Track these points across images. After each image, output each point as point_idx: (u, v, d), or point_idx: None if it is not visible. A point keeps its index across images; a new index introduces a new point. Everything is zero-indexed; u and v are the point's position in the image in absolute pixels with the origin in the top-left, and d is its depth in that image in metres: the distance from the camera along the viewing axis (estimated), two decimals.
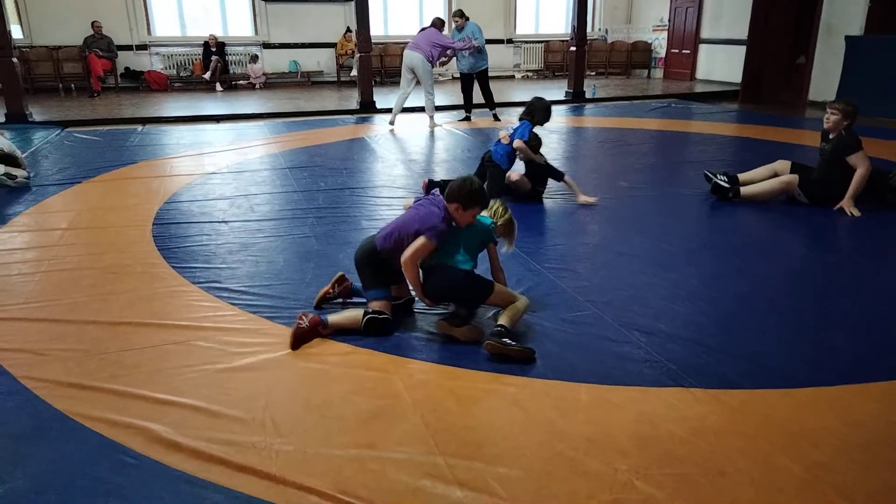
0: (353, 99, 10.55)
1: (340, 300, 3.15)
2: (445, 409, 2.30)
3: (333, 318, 2.86)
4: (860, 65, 8.93)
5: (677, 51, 13.88)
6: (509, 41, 14.73)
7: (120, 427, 2.19)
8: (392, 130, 8.30)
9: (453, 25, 8.76)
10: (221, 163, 6.44)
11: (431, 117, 8.55)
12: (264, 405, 2.32)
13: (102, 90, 11.68)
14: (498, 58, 14.43)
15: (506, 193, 4.87)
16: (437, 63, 8.37)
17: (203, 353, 2.69)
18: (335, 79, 13.49)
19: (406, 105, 8.62)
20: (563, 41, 14.34)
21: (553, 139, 7.89)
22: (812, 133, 7.91)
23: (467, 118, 9.11)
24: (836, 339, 2.79)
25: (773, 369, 2.54)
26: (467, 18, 8.60)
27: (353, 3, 9.77)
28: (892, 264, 3.69)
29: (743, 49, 10.97)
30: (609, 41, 15.19)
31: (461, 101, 9.24)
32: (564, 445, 2.09)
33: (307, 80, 13.29)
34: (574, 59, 10.96)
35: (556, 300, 3.19)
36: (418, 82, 8.32)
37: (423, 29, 8.45)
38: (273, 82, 13.11)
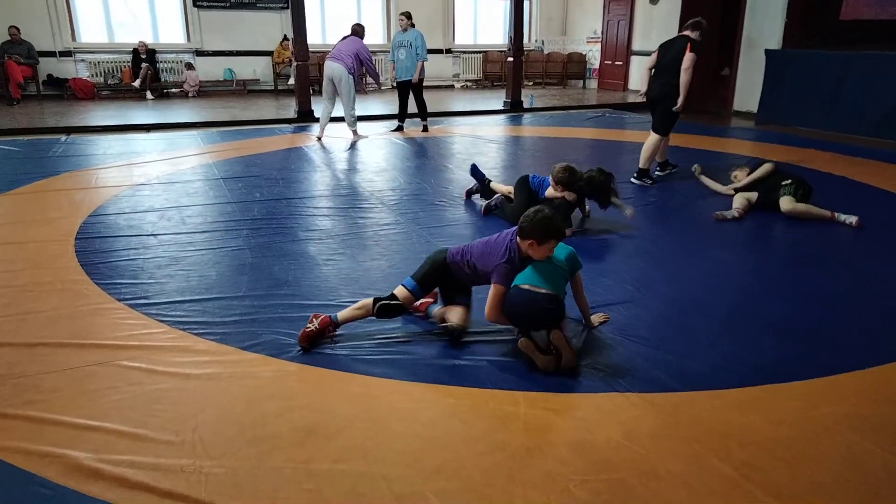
0: (290, 108, 10.38)
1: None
2: (383, 422, 2.27)
3: (344, 313, 2.88)
4: (779, 76, 9.41)
5: (610, 62, 14.29)
6: (448, 51, 14.84)
7: (35, 456, 2.05)
8: (320, 140, 8.06)
9: (399, 25, 8.61)
10: (151, 173, 6.21)
11: (354, 131, 8.32)
12: (194, 426, 2.22)
13: (23, 98, 11.09)
14: (437, 68, 14.51)
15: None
16: (363, 79, 8.25)
17: (128, 374, 2.57)
18: (272, 87, 13.26)
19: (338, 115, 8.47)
20: (501, 51, 14.54)
21: (493, 148, 7.98)
22: (736, 142, 8.29)
23: (400, 128, 8.99)
24: (760, 341, 2.89)
25: (701, 372, 2.61)
26: (413, 24, 8.57)
27: (289, 11, 9.62)
28: (813, 268, 3.87)
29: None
30: (545, 52, 15.51)
31: (395, 111, 9.15)
32: (503, 455, 2.09)
33: (243, 89, 13.01)
34: (512, 69, 11.12)
35: None
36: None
37: (343, 38, 8.20)
38: (207, 91, 12.77)
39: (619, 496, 1.90)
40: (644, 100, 6.13)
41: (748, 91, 10.59)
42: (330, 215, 4.89)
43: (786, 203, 4.69)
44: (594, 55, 14.85)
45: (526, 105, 11.41)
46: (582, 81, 15.29)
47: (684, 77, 5.61)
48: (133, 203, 5.14)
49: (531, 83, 15.04)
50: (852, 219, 4.49)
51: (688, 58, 5.62)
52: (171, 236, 4.31)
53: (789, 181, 4.82)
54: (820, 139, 8.13)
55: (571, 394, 2.45)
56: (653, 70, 5.97)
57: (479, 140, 8.45)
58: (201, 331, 2.94)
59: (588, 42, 15.00)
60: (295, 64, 9.72)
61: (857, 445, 2.13)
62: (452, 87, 14.89)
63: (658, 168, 6.24)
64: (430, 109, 9.26)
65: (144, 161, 6.80)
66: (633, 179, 5.99)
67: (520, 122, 10.25)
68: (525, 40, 13.10)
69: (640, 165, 5.98)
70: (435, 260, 2.97)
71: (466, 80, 15.10)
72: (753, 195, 4.96)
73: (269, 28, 13.00)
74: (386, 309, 2.86)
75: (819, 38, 9.38)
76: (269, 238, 4.30)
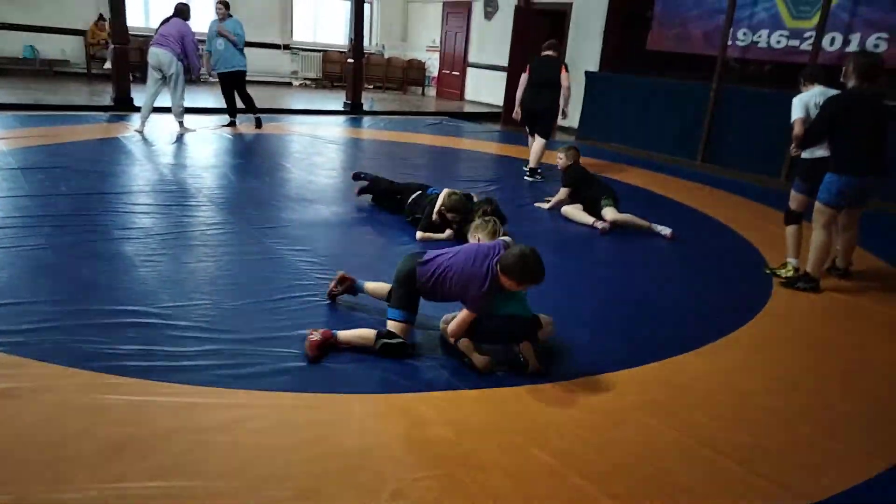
0: (106, 94, 9.42)
1: (345, 295, 3.25)
2: (205, 434, 2.13)
3: (344, 334, 2.76)
4: (596, 96, 10.31)
5: (448, 71, 14.75)
6: (286, 47, 14.39)
7: None
8: (141, 133, 7.35)
9: (216, 13, 8.02)
10: None
11: (181, 123, 7.76)
12: None
13: None
14: (273, 63, 14.01)
15: None
16: (198, 64, 7.65)
17: None
18: (85, 70, 11.97)
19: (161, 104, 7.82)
20: (341, 52, 14.39)
21: (331, 149, 7.87)
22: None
23: (232, 123, 8.49)
24: (577, 337, 3.12)
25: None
26: (231, 14, 8.09)
27: None
28: (626, 272, 4.27)
29: (504, 75, 12.02)
30: (386, 56, 15.62)
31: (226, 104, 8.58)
32: (335, 460, 2.05)
33: (48, 70, 11.60)
34: (352, 71, 11.06)
35: (324, 312, 3.16)
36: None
37: (166, 20, 7.53)
38: (1, 68, 11.21)
39: (449, 491, 1.96)
40: (521, 113, 7.05)
41: (571, 108, 11.46)
42: (150, 213, 4.50)
43: (609, 213, 5.14)
44: (433, 63, 15.24)
45: (366, 108, 11.41)
46: (421, 88, 15.61)
47: (567, 93, 6.82)
48: None
49: (372, 87, 15.07)
50: (667, 230, 5.02)
51: (566, 76, 6.78)
52: None
53: (607, 195, 5.29)
54: (631, 155, 9.02)
55: (406, 394, 2.48)
56: (530, 86, 6.83)
57: (318, 140, 8.29)
58: None
59: (428, 50, 15.36)
60: (112, 47, 8.84)
61: (653, 428, 2.39)
62: (290, 84, 14.47)
63: (529, 172, 6.98)
64: (265, 106, 8.89)
65: None
66: (526, 177, 6.89)
67: (359, 124, 10.22)
68: (366, 43, 13.10)
69: (531, 165, 6.91)
70: (404, 280, 2.81)
71: (305, 79, 14.75)
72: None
73: (81, 4, 11.72)
74: (389, 349, 2.70)
75: (630, 63, 10.41)
76: (77, 237, 3.87)
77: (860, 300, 3.94)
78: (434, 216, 4.47)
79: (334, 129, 9.43)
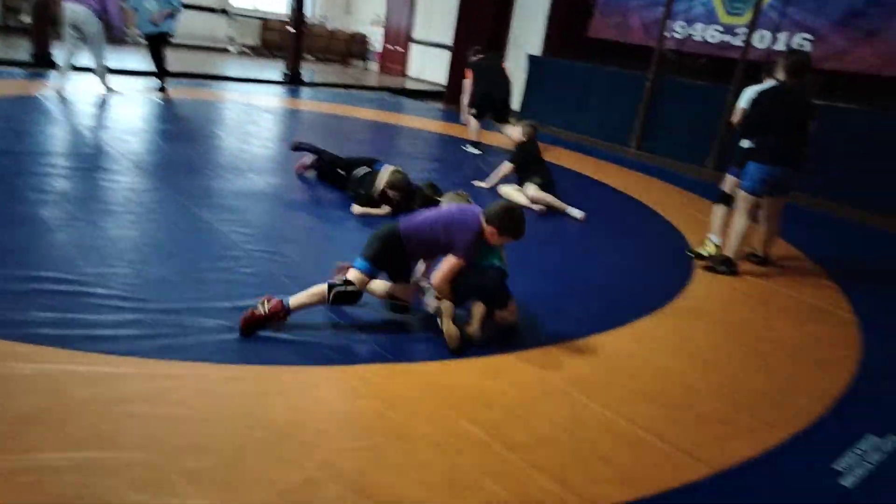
0: (23, 49, 8.81)
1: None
2: (125, 405, 2.06)
3: (296, 299, 2.68)
4: (539, 80, 10.40)
5: (392, 47, 14.56)
6: (223, 11, 13.83)
7: None
8: (61, 92, 6.84)
9: None
10: None
11: (105, 85, 7.31)
12: None
13: None
14: (209, 28, 13.46)
15: None
16: (119, 25, 7.13)
17: None
18: (1, 23, 11.16)
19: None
20: (282, 20, 13.95)
21: (268, 119, 7.66)
22: (502, 136, 8.99)
23: (163, 88, 8.04)
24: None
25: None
26: None
27: None
28: (551, 251, 4.36)
29: (449, 54, 11.96)
30: (329, 28, 15.26)
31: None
32: (261, 431, 2.02)
33: None
34: (292, 40, 10.75)
35: (254, 283, 3.09)
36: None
37: None
38: None
39: (375, 462, 1.96)
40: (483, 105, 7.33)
41: (515, 91, 11.54)
42: (69, 176, 4.27)
43: (530, 189, 5.21)
44: (377, 38, 14.99)
45: (306, 79, 11.13)
46: (364, 63, 15.35)
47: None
48: None
49: (313, 58, 14.70)
50: (579, 213, 5.12)
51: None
52: None
53: (537, 174, 5.35)
54: (570, 140, 9.18)
55: (336, 366, 2.46)
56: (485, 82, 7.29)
57: (254, 109, 8.04)
58: None
59: (372, 25, 15.09)
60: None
61: (578, 402, 2.46)
62: (227, 50, 13.94)
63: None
64: (199, 71, 8.53)
65: None
66: (470, 148, 7.25)
67: (298, 95, 9.97)
68: (308, 13, 12.75)
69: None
70: (385, 236, 2.82)
71: (244, 46, 14.24)
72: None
73: None
74: (342, 296, 2.67)
75: (572, 49, 10.54)
76: None
77: (774, 285, 4.16)
78: (376, 191, 4.42)
79: (272, 99, 9.16)
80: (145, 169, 4.68)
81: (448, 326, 2.70)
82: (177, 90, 8.16)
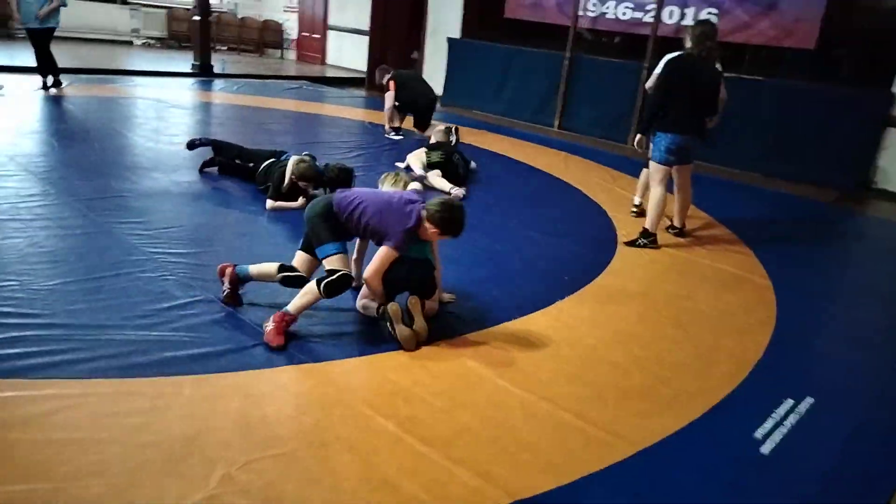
0: None
1: (229, 289, 2.78)
2: (5, 430, 1.86)
3: (293, 305, 2.58)
4: (459, 63, 10.32)
5: (308, 34, 14.14)
6: (124, 2, 13.07)
7: None
8: None
9: None
10: None
11: None
12: None
13: None
14: (109, 20, 12.70)
15: None
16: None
17: None
18: None
19: None
20: (188, 9, 13.31)
21: (177, 114, 7.26)
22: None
23: (57, 83, 7.49)
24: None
25: (377, 337, 2.68)
26: None
27: None
28: (476, 234, 4.29)
29: (367, 39, 11.72)
30: (240, 16, 14.68)
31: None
32: (157, 449, 1.86)
33: None
34: (198, 29, 10.25)
35: (157, 290, 2.88)
36: None
37: None
38: None
39: (285, 471, 1.84)
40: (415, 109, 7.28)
41: (435, 75, 11.41)
42: None
43: (432, 175, 5.19)
44: (292, 25, 14.53)
45: (217, 70, 10.66)
46: (280, 52, 14.87)
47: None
48: None
49: (226, 48, 14.13)
50: (460, 191, 5.01)
51: None
52: None
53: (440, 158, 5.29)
54: (492, 122, 9.13)
55: (242, 372, 2.31)
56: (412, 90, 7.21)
57: (160, 104, 7.61)
58: None
59: (285, 11, 14.61)
60: None
61: (501, 388, 2.41)
62: (131, 43, 13.20)
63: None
64: (100, 66, 7.99)
65: None
66: (392, 135, 7.16)
67: (210, 87, 9.53)
68: (217, 0, 12.20)
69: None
70: (323, 214, 2.71)
71: (149, 38, 13.52)
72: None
73: None
74: (334, 286, 2.57)
75: (490, 31, 10.49)
76: None
77: (692, 255, 4.24)
78: (285, 185, 4.23)
79: (180, 92, 8.71)
80: (36, 173, 4.31)
81: (401, 330, 2.59)
82: (75, 87, 7.64)
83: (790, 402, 2.53)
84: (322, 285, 2.56)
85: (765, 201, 6.16)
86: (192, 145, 4.93)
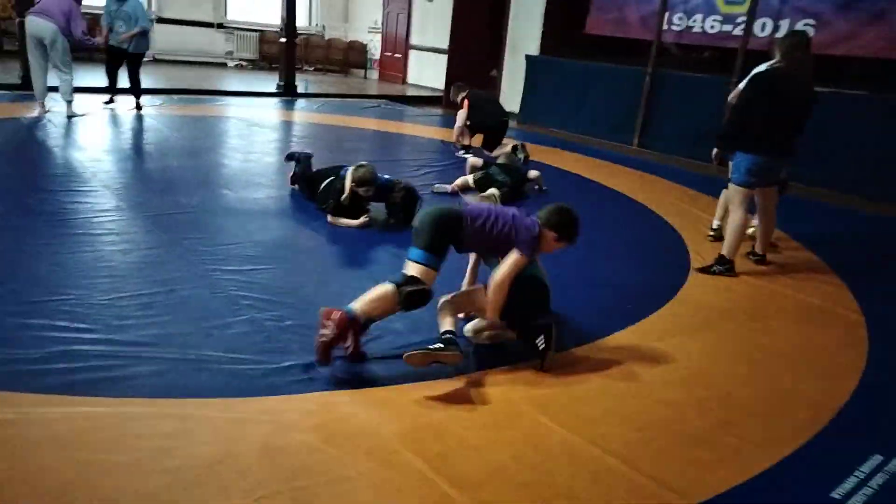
0: (13, 72, 8.75)
1: (350, 346, 2.46)
2: (29, 449, 1.88)
3: (359, 307, 2.40)
4: (537, 81, 10.17)
5: (390, 54, 14.41)
6: (220, 26, 13.81)
7: None
8: (45, 114, 6.79)
9: None
10: None
11: (69, 102, 6.95)
12: None
13: None
14: (206, 43, 13.44)
15: None
16: (83, 38, 6.86)
17: None
18: None
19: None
20: (278, 32, 13.89)
21: (256, 133, 7.51)
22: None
23: (111, 101, 7.81)
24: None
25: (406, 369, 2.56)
26: None
27: None
28: None
29: (446, 58, 11.80)
30: (327, 38, 15.17)
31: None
32: (172, 477, 1.82)
33: None
34: (284, 51, 10.65)
35: (206, 300, 2.91)
36: None
37: None
38: None
39: None
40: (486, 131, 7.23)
41: (513, 91, 11.32)
42: (30, 196, 4.13)
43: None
44: (375, 45, 14.86)
45: (300, 90, 11.02)
46: (364, 71, 15.23)
47: None
48: None
49: (312, 69, 14.62)
50: (446, 187, 5.25)
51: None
52: None
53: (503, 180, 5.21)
54: (569, 140, 8.90)
55: (270, 397, 2.26)
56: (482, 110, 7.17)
57: (242, 122, 7.90)
58: None
59: (370, 31, 14.96)
60: (18, 20, 8.23)
61: (542, 426, 2.23)
62: (225, 64, 13.90)
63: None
64: (197, 87, 8.39)
65: None
66: (461, 153, 7.03)
67: (292, 106, 9.84)
68: (305, 23, 12.66)
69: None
70: (445, 221, 2.54)
71: (241, 59, 14.20)
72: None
73: None
74: (412, 299, 2.39)
75: (569, 47, 10.29)
76: None
77: (773, 285, 3.89)
78: (345, 195, 4.21)
79: (263, 111, 9.03)
80: (114, 189, 4.53)
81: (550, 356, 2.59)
82: (166, 107, 8.07)
83: (878, 457, 2.22)
84: (405, 294, 2.37)
85: (863, 227, 5.62)
86: (290, 158, 5.11)
